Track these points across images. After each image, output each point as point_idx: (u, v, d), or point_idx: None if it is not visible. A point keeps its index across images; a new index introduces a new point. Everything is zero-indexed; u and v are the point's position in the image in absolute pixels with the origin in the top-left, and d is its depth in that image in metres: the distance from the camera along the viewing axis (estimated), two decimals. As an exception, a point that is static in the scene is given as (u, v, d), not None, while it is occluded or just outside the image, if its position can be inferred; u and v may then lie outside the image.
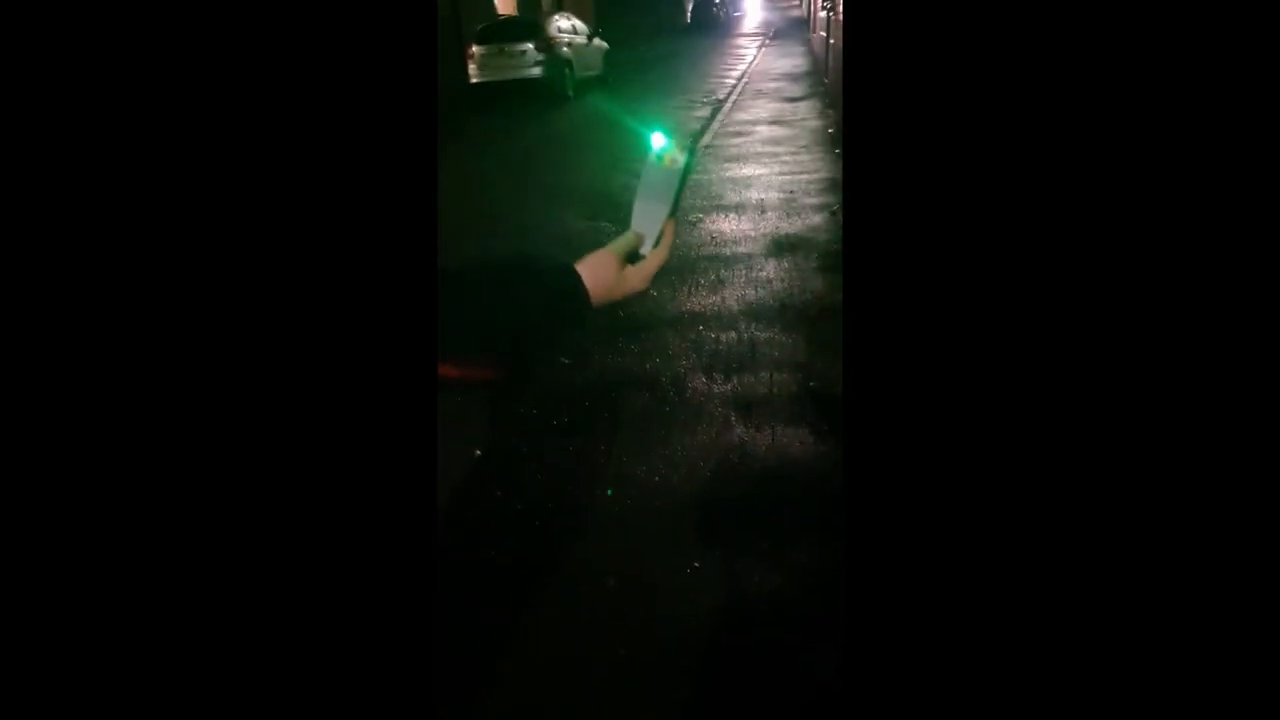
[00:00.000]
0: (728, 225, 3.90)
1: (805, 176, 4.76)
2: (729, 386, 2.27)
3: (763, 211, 4.08)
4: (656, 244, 0.69)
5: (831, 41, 7.72)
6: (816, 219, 3.88)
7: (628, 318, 2.80)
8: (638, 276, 0.67)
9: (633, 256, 0.67)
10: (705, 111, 8.10)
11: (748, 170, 5.08)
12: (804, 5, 20.19)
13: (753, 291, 2.99)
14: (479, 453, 2.05)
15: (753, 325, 2.68)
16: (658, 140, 0.68)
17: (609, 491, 1.83)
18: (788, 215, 3.98)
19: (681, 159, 0.68)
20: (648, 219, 0.69)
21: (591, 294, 0.63)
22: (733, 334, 2.63)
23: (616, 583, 1.55)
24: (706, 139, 6.28)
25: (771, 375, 2.32)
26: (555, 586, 1.56)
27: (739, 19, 31.05)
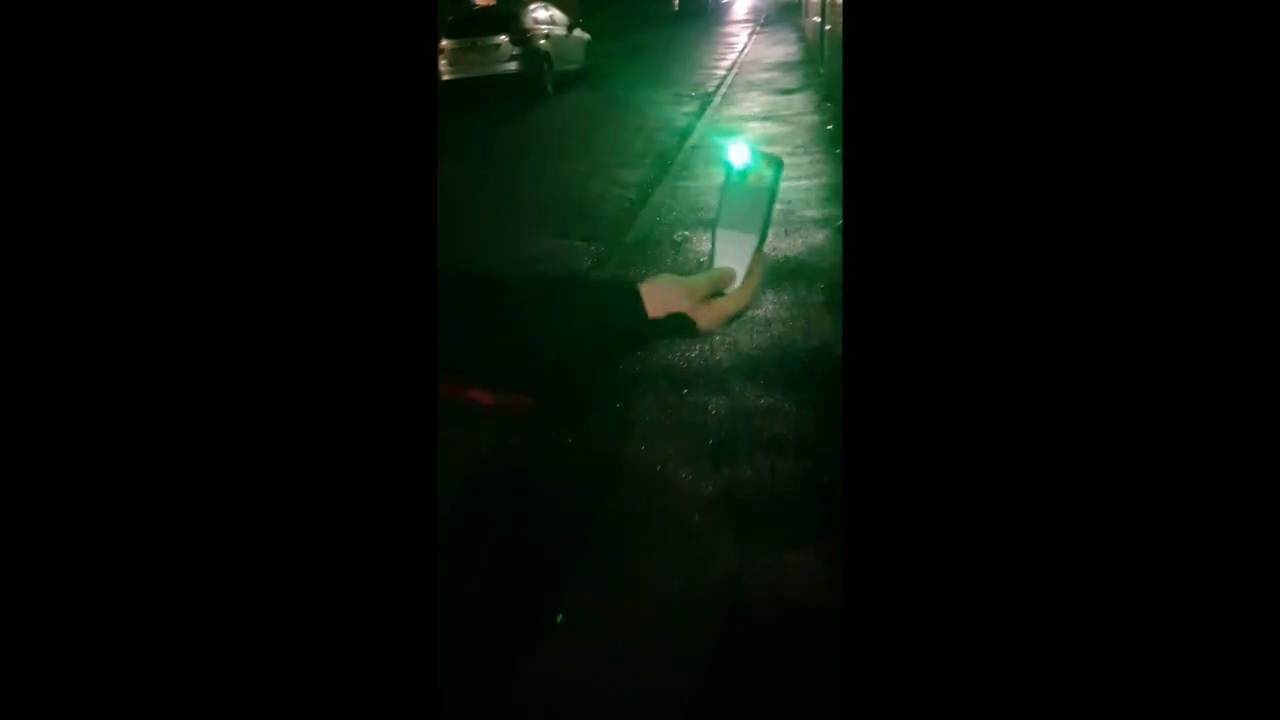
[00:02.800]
0: (717, 245, 3.40)
1: (804, 183, 4.25)
2: (720, 481, 1.78)
3: (757, 228, 3.59)
4: (741, 283, 0.59)
5: (827, 28, 7.21)
6: (819, 237, 3.38)
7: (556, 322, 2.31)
8: (710, 316, 0.57)
9: (710, 294, 0.58)
10: (693, 106, 7.58)
11: (739, 176, 4.57)
12: (795, -10, 19.57)
13: (747, 337, 2.49)
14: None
15: (748, 386, 2.19)
16: (739, 153, 0.58)
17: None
18: (786, 233, 3.48)
19: (768, 175, 0.58)
20: (731, 249, 0.59)
21: (651, 317, 0.55)
22: (724, 400, 2.13)
23: None
24: (694, 138, 5.77)
25: (773, 464, 1.83)
26: None
27: (728, 6, 30.37)
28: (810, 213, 3.72)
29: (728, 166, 0.59)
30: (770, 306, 2.71)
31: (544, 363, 0.54)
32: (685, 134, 6.09)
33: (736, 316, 0.59)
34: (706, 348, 2.43)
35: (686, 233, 3.61)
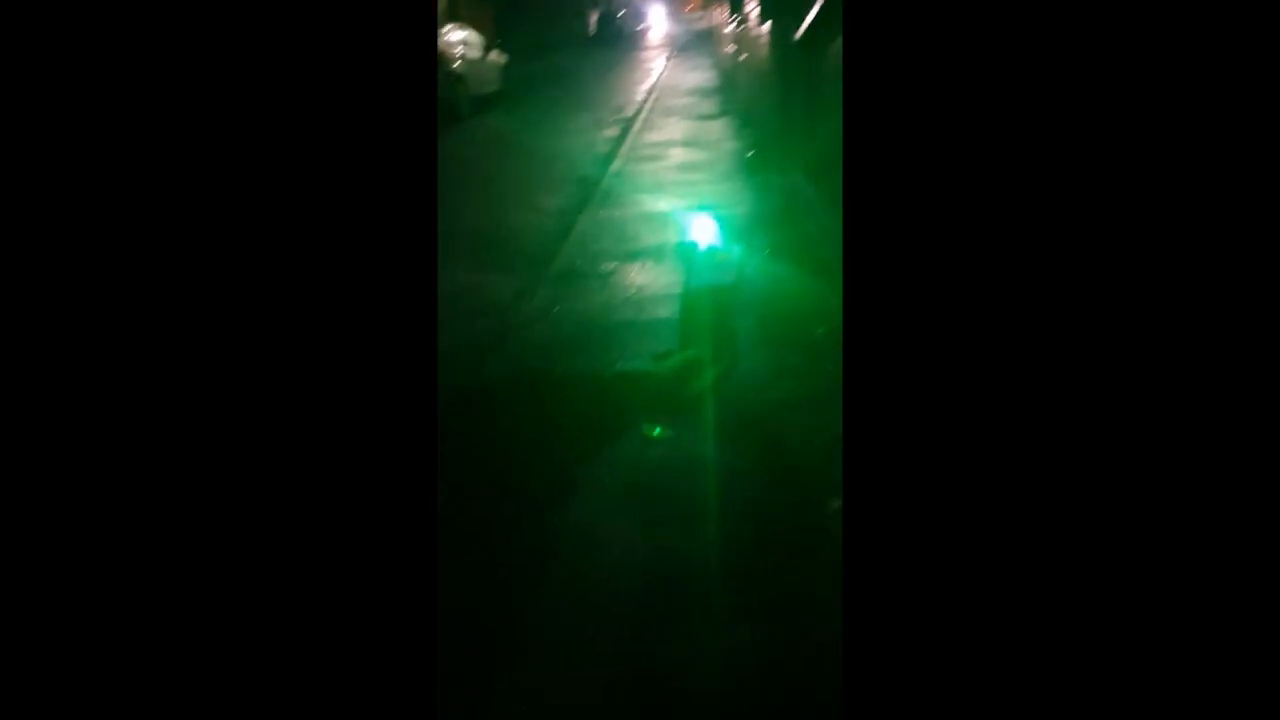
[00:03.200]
0: (646, 277, 3.29)
1: (730, 211, 4.22)
2: (663, 540, 1.65)
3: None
4: (712, 372, 0.25)
5: (742, 56, 7.32)
6: (746, 269, 3.33)
7: (536, 419, 2.14)
8: (683, 396, 0.26)
9: (683, 381, 0.26)
10: (614, 131, 7.53)
11: (665, 203, 4.51)
12: (709, 17, 20.06)
13: (681, 377, 2.38)
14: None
15: (686, 429, 2.07)
16: (704, 230, 0.29)
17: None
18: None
19: (734, 255, 0.27)
20: (698, 338, 0.26)
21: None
22: (660, 451, 2.00)
23: None
24: (617, 165, 5.70)
25: (713, 523, 1.71)
26: None
27: (644, 31, 30.87)
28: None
29: (690, 246, 0.62)
30: (703, 344, 2.62)
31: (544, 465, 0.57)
32: (608, 159, 6.01)
33: (708, 391, 0.62)
34: (640, 391, 2.31)
35: (614, 264, 3.49)
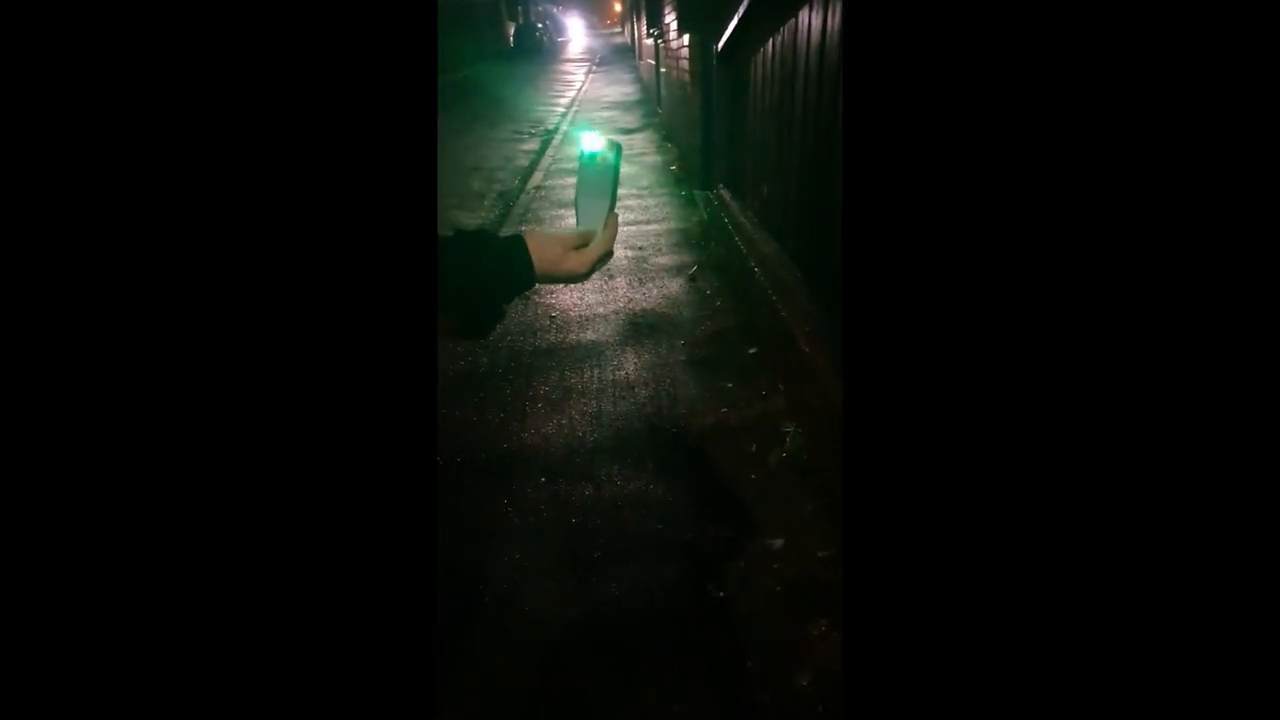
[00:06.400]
0: (569, 298, 3.15)
1: (654, 228, 4.13)
2: (589, 596, 1.50)
3: (610, 277, 3.38)
4: (600, 236, 0.72)
5: (662, 70, 7.30)
6: (674, 286, 3.23)
7: (446, 465, 1.96)
8: (578, 261, 0.70)
9: (578, 245, 0.71)
10: (534, 145, 7.36)
11: (587, 219, 4.37)
12: (627, 32, 20.14)
13: (610, 405, 2.25)
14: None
15: (614, 469, 1.93)
16: (589, 141, 0.73)
17: None
18: (640, 282, 3.30)
19: (611, 157, 0.72)
20: (590, 214, 0.73)
21: (536, 265, 0.67)
22: (589, 488, 1.86)
23: None
24: (537, 178, 5.53)
25: (647, 569, 1.58)
26: None
27: (564, 44, 30.78)
28: (662, 260, 3.58)
29: (581, 152, 0.73)
30: (632, 368, 2.49)
31: (463, 298, 0.63)
32: (527, 173, 5.84)
33: (600, 262, 0.72)
34: (565, 421, 2.16)
35: (536, 284, 3.33)
